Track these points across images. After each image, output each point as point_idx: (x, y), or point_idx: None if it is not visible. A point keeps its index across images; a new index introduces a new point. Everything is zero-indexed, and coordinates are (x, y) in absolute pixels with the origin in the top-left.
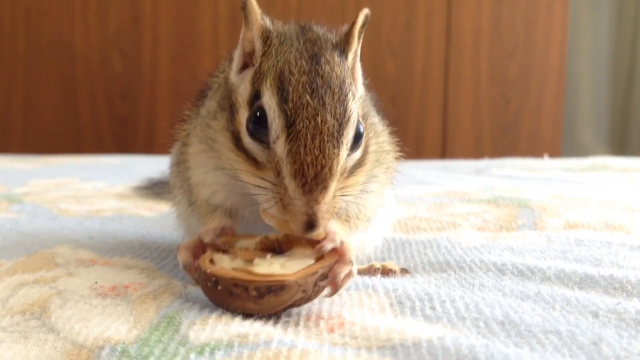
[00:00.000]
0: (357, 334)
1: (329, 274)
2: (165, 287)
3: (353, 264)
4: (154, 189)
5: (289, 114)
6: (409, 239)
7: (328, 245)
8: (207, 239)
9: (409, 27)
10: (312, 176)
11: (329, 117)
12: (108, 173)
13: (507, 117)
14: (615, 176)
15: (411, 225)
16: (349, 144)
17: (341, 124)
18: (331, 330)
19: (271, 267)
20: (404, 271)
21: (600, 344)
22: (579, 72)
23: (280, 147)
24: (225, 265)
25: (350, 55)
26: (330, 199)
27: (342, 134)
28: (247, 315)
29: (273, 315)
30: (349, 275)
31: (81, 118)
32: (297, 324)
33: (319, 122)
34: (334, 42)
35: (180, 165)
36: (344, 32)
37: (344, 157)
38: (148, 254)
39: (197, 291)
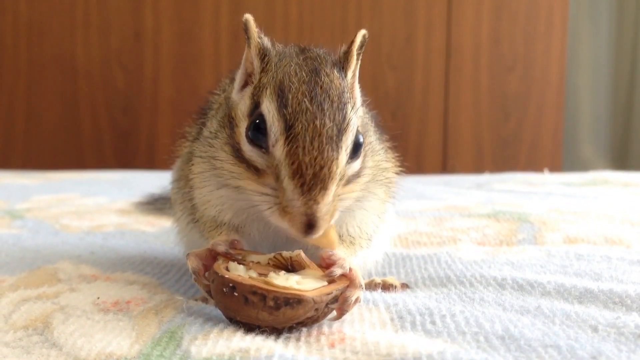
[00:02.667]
0: (357, 348)
1: (339, 297)
2: (167, 302)
3: (363, 288)
4: (155, 204)
5: (288, 117)
6: (409, 254)
7: (337, 271)
8: (220, 248)
9: (409, 42)
10: (311, 176)
11: (328, 121)
12: (109, 188)
13: (507, 131)
14: (616, 190)
15: (411, 239)
16: (348, 150)
17: (340, 129)
18: (332, 346)
19: (288, 282)
20: (405, 286)
21: (600, 358)
22: (578, 86)
23: (279, 150)
24: (241, 273)
25: (349, 74)
26: (330, 201)
27: (341, 139)
28: (249, 329)
29: (279, 330)
30: (357, 300)
31: (83, 133)
32: (298, 339)
33: (318, 126)
34: (333, 60)
35: (181, 181)
36: (342, 51)
37: (344, 162)
38: (150, 269)
39: (198, 306)
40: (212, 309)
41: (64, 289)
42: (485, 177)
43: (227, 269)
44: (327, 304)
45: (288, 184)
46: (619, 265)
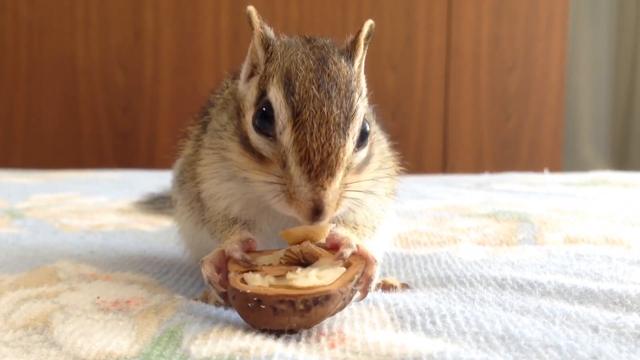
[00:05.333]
0: (358, 349)
1: (360, 279)
2: (167, 302)
3: (378, 263)
4: (155, 203)
5: (296, 105)
6: (409, 254)
7: (347, 251)
8: (236, 255)
9: (409, 42)
10: (318, 162)
11: (335, 108)
12: (109, 188)
13: (507, 132)
14: (616, 191)
15: (411, 239)
16: (355, 138)
17: (347, 116)
18: (332, 346)
19: (309, 279)
20: (405, 286)
21: (600, 358)
22: (578, 86)
23: (286, 137)
24: (259, 283)
25: (357, 63)
26: (337, 187)
27: (349, 127)
28: (262, 330)
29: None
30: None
31: (83, 133)
32: (298, 339)
33: (325, 113)
34: (340, 49)
35: (188, 181)
36: (350, 40)
37: (351, 149)
38: (149, 269)
39: (198, 305)
40: (211, 308)
41: (64, 288)
42: (485, 177)
43: (245, 280)
44: (351, 290)
45: (295, 170)
46: (619, 265)
